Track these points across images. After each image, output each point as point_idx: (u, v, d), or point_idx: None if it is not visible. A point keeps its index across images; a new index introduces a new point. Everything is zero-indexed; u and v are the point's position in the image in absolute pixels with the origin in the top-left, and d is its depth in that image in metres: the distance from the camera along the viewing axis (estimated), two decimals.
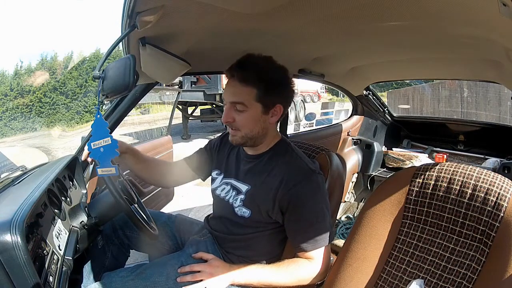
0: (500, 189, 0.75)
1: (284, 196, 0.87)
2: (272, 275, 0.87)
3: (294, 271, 0.88)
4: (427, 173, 0.87)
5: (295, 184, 0.86)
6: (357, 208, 2.45)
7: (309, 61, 1.55)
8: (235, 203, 0.94)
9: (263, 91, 0.87)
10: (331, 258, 1.52)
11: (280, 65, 0.91)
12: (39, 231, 0.73)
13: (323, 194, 0.89)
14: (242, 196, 0.93)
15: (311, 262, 0.89)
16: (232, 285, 0.89)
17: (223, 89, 6.21)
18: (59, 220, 0.85)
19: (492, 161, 2.15)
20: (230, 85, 0.89)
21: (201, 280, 0.86)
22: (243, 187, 0.94)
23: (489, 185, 0.77)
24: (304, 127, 5.46)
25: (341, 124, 2.56)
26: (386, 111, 2.60)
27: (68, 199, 0.98)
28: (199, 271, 0.88)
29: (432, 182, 0.85)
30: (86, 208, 0.94)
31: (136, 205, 1.01)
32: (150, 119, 9.00)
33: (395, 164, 2.46)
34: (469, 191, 0.79)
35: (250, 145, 0.94)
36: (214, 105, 6.99)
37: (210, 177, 1.09)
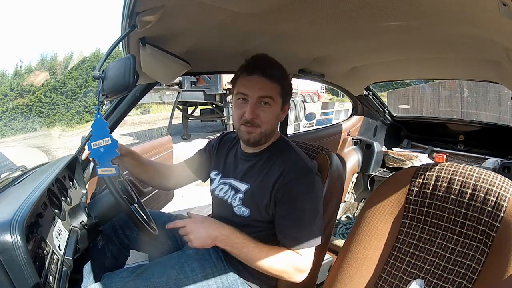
0: (500, 189, 0.75)
1: (279, 190, 0.87)
2: (256, 251, 0.83)
3: (278, 255, 0.84)
4: (427, 173, 0.87)
5: (291, 180, 0.86)
6: (357, 208, 2.45)
7: (309, 61, 1.55)
8: (234, 202, 0.94)
9: (284, 88, 0.91)
10: (331, 258, 1.53)
11: None
12: (39, 231, 0.73)
13: (317, 194, 0.88)
14: (241, 195, 0.93)
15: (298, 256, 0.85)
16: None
17: (224, 89, 6.27)
18: (59, 220, 0.85)
19: (492, 161, 2.15)
20: (255, 80, 0.88)
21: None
22: (242, 186, 0.94)
23: (489, 185, 0.77)
24: (304, 127, 5.46)
25: (341, 124, 2.56)
26: (386, 111, 2.60)
27: (68, 199, 0.98)
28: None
29: (432, 182, 0.85)
30: (86, 208, 0.94)
31: (136, 205, 1.00)
32: (150, 119, 9.02)
33: (395, 164, 2.46)
34: (469, 191, 0.79)
35: (262, 142, 0.94)
36: (214, 105, 6.98)
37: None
